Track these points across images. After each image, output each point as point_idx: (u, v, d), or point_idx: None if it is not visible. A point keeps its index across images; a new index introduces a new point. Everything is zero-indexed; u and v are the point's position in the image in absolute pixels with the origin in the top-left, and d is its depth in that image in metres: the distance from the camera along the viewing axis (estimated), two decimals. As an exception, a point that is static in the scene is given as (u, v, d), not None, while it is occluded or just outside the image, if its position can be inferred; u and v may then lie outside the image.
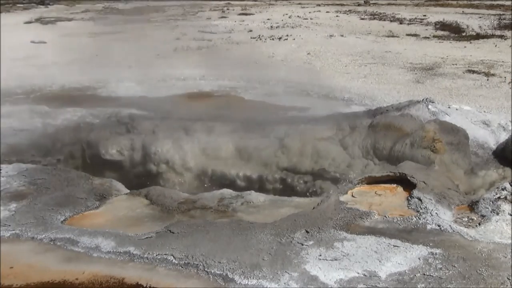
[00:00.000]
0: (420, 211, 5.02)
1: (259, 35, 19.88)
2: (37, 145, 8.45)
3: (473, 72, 12.90)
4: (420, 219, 4.85)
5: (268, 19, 25.57)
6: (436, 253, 4.26)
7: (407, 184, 5.66)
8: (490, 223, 4.75)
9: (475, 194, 6.31)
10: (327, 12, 29.28)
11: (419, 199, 5.18)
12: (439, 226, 4.71)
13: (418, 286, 3.84)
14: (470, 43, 17.91)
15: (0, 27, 19.21)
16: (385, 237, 4.55)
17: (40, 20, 26.17)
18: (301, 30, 21.27)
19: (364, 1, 36.24)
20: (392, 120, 7.75)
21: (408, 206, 5.19)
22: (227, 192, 6.03)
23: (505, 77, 12.07)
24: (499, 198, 5.07)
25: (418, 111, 7.93)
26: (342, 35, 19.62)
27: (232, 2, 36.52)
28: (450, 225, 4.71)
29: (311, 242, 4.50)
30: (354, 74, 13.07)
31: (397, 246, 4.39)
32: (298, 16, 27.10)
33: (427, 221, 4.80)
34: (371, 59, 14.94)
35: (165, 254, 4.42)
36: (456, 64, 14.00)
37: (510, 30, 20.35)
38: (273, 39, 19.09)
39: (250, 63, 14.42)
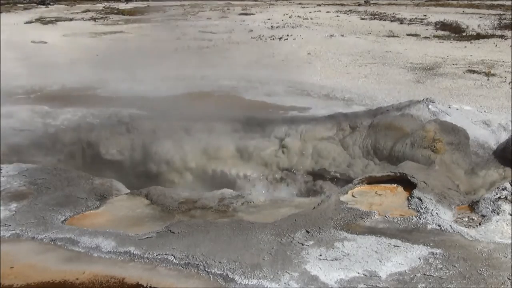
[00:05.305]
0: (421, 211, 5.02)
1: (260, 35, 19.88)
2: (38, 145, 8.45)
3: (474, 72, 12.90)
4: (420, 219, 4.85)
5: (269, 19, 25.56)
6: (436, 253, 4.26)
7: (408, 184, 5.66)
8: (491, 223, 4.75)
9: (475, 194, 6.31)
10: (327, 12, 29.28)
11: (420, 199, 5.18)
12: (439, 226, 4.71)
13: (419, 286, 3.84)
14: (471, 43, 17.90)
15: (0, 27, 19.18)
16: (385, 237, 4.55)
17: (40, 20, 26.17)
18: (301, 30, 21.25)
19: (365, 1, 36.23)
20: (392, 120, 7.75)
21: (408, 206, 5.19)
22: (227, 192, 6.03)
23: (505, 77, 12.06)
24: (499, 198, 5.07)
25: (419, 111, 7.93)
26: (342, 35, 19.61)
27: (232, 2, 36.51)
28: (450, 225, 4.71)
29: (311, 242, 4.50)
30: (354, 74, 13.07)
31: (398, 246, 4.39)
32: (298, 16, 27.10)
33: (428, 221, 4.80)
34: (372, 59, 14.93)
35: (165, 254, 4.42)
36: (456, 64, 13.99)
37: (510, 30, 20.33)
38: (273, 39, 19.09)
39: (250, 63, 14.40)
